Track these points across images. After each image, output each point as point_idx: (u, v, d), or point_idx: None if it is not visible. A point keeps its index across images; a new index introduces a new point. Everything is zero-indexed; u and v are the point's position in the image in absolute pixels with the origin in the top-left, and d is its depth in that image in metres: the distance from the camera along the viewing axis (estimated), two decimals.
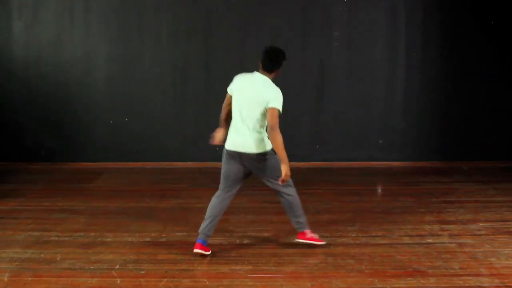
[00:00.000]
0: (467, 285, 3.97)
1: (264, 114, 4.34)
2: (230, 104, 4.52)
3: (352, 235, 5.06)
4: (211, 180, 7.35)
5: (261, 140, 4.41)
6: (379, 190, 7.12)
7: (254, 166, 4.48)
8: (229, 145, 4.50)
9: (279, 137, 4.26)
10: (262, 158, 4.43)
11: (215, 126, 7.99)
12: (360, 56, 8.27)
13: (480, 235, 5.06)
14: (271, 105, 4.28)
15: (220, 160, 8.17)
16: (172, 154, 8.26)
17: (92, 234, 5.06)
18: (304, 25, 8.17)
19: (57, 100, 8.17)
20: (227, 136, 4.55)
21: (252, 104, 4.35)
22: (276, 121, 4.27)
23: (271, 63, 4.42)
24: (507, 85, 8.30)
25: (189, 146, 8.24)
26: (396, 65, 8.30)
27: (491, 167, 8.02)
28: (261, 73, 4.45)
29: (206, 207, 5.55)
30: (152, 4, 8.15)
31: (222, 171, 4.60)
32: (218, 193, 4.63)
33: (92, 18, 8.12)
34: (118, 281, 4.01)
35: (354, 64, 8.25)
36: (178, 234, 5.09)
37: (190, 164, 8.15)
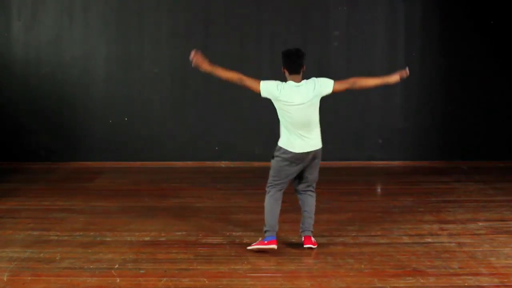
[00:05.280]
0: (466, 284, 3.96)
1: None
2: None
3: (352, 234, 5.05)
4: (210, 179, 7.40)
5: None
6: (379, 190, 7.12)
7: None
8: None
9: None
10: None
11: (214, 125, 8.07)
12: (360, 56, 8.27)
13: (480, 234, 5.06)
14: None
15: (219, 159, 8.23)
16: (172, 153, 8.25)
17: (92, 233, 5.05)
18: (304, 25, 8.17)
19: (57, 100, 8.17)
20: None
21: None
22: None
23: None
24: (507, 85, 8.30)
25: (188, 145, 8.24)
26: (396, 65, 8.25)
27: (490, 167, 8.01)
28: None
29: (206, 206, 5.56)
30: (152, 4, 8.16)
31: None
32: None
33: (91, 18, 8.13)
34: (118, 281, 4.00)
35: (354, 64, 8.24)
36: (177, 233, 5.08)
37: (189, 164, 8.14)
